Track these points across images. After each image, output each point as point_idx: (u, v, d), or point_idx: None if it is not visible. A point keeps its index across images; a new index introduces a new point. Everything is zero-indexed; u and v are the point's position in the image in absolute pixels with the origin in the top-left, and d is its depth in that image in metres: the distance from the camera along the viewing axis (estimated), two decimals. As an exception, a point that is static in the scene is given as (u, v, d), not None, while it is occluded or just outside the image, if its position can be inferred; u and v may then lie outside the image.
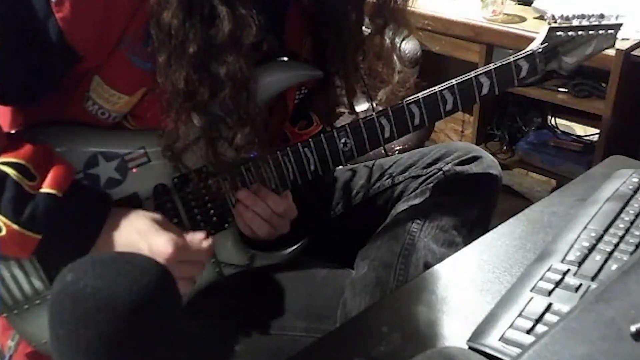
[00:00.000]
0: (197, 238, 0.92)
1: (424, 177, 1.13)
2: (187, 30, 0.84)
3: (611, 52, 1.83)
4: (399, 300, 0.83)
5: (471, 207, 1.10)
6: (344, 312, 1.00)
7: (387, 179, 1.18)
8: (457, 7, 2.27)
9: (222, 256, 1.03)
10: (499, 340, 0.66)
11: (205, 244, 0.92)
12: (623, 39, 1.87)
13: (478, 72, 1.05)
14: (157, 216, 0.92)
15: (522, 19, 2.14)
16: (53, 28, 0.82)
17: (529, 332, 0.66)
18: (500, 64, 1.07)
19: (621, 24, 1.13)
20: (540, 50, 1.09)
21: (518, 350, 0.63)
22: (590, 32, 1.11)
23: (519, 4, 2.29)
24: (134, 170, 0.93)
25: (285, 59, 1.02)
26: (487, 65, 1.07)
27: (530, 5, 2.20)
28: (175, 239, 0.88)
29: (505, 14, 2.16)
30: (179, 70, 0.85)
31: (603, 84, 2.00)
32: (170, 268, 0.85)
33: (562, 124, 2.48)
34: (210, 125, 0.91)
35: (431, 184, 1.12)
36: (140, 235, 0.88)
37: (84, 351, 0.57)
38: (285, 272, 1.06)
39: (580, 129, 2.45)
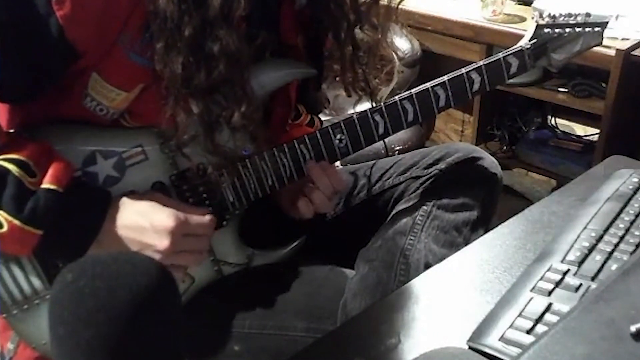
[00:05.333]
0: (198, 212, 0.94)
1: (424, 178, 1.13)
2: (182, 13, 0.84)
3: (611, 52, 1.83)
4: (399, 301, 0.83)
5: (472, 207, 1.10)
6: (345, 312, 1.00)
7: (387, 179, 1.18)
8: (457, 7, 2.27)
9: (221, 254, 1.03)
10: (499, 340, 0.66)
11: (207, 216, 0.94)
12: (623, 39, 1.87)
13: (469, 69, 1.06)
14: (156, 194, 0.93)
15: (522, 19, 2.14)
16: (54, 26, 0.82)
17: (529, 332, 0.66)
18: (490, 60, 1.07)
19: (607, 22, 1.15)
20: (529, 46, 1.10)
21: (518, 350, 0.63)
22: (578, 29, 1.12)
23: (519, 4, 2.29)
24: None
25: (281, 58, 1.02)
26: (478, 62, 1.07)
27: (530, 5, 2.20)
28: (176, 213, 0.89)
29: (505, 14, 2.16)
30: (176, 55, 0.86)
31: (603, 84, 2.00)
32: (175, 242, 0.88)
33: (562, 124, 2.48)
34: (207, 110, 0.91)
35: (432, 185, 1.12)
36: (141, 215, 0.89)
37: (84, 351, 0.57)
38: (285, 272, 1.06)
39: (580, 129, 2.45)
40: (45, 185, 0.84)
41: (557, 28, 1.12)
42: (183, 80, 0.87)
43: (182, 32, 0.85)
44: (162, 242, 0.88)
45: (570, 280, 0.73)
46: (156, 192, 0.95)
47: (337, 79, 1.10)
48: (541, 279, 0.74)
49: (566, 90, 2.13)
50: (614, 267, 0.74)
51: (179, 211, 0.90)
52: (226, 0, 0.86)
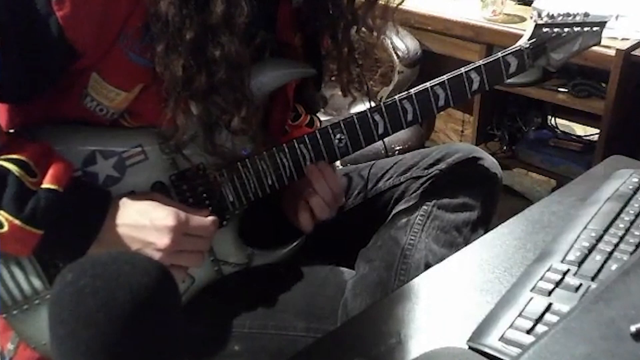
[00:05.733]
0: (200, 213, 0.94)
1: (425, 178, 1.13)
2: (184, 17, 0.85)
3: (611, 52, 1.83)
4: (399, 300, 0.82)
5: (472, 207, 1.10)
6: (345, 312, 1.00)
7: (388, 179, 1.18)
8: (457, 7, 2.27)
9: (221, 254, 1.03)
10: (499, 340, 0.66)
11: (209, 218, 0.94)
12: (623, 39, 1.87)
13: (468, 68, 1.06)
14: (156, 195, 0.93)
15: (522, 19, 2.14)
16: (53, 26, 0.82)
17: (529, 332, 0.66)
18: (489, 60, 1.08)
19: (606, 21, 1.15)
20: (527, 46, 1.10)
21: (518, 350, 0.63)
22: (576, 28, 1.12)
23: (519, 4, 2.29)
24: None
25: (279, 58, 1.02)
26: (477, 62, 1.08)
27: (530, 5, 2.20)
28: (177, 211, 0.90)
29: (505, 14, 2.16)
30: (177, 58, 0.86)
31: (603, 84, 2.00)
32: (176, 240, 0.88)
33: (562, 124, 2.48)
34: (207, 112, 0.91)
35: (432, 185, 1.12)
36: (141, 213, 0.89)
37: (84, 351, 0.57)
38: (285, 272, 1.06)
39: (580, 129, 2.45)
40: (46, 185, 0.84)
41: (555, 27, 1.12)
42: (183, 82, 0.87)
43: (183, 35, 0.85)
44: (163, 240, 0.88)
45: (570, 280, 0.73)
46: (157, 192, 0.95)
47: (333, 78, 1.10)
48: (541, 279, 0.74)
49: (566, 90, 2.13)
50: (614, 267, 0.74)
51: (179, 210, 0.90)
52: (229, 8, 0.86)
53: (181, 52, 0.86)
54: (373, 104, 1.05)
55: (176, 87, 0.88)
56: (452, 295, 0.81)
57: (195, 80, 0.88)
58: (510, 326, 0.67)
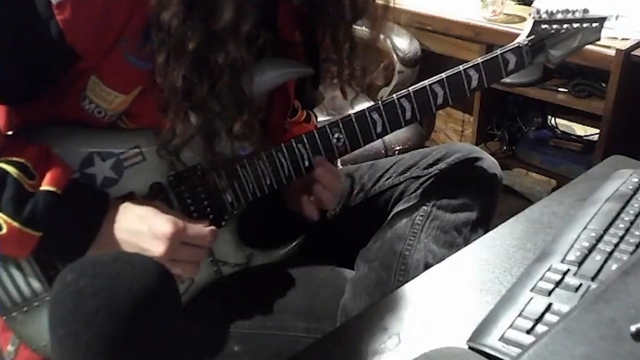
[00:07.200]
0: (199, 223, 0.93)
1: (424, 178, 1.13)
2: (187, 28, 0.84)
3: (611, 52, 1.83)
4: (399, 301, 0.82)
5: (472, 208, 1.10)
6: (344, 312, 1.00)
7: (387, 179, 1.18)
8: (457, 7, 2.27)
9: (220, 254, 1.03)
10: (499, 340, 0.66)
11: (208, 228, 0.93)
12: (623, 39, 1.87)
13: (467, 66, 1.06)
14: (157, 202, 0.93)
15: (522, 19, 2.14)
16: (54, 30, 0.82)
17: (529, 332, 0.66)
18: (488, 57, 1.07)
19: (605, 18, 1.14)
20: (526, 43, 1.10)
21: (518, 350, 0.63)
22: (575, 25, 1.12)
23: (519, 4, 2.29)
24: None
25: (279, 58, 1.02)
26: (476, 59, 1.07)
27: (530, 5, 2.20)
28: (175, 220, 0.89)
29: (505, 14, 2.16)
30: (177, 69, 0.86)
31: (603, 84, 2.00)
32: (172, 249, 0.87)
33: (562, 123, 2.48)
34: (207, 122, 0.91)
35: (432, 185, 1.12)
36: (140, 219, 0.89)
37: (84, 351, 0.57)
38: (285, 273, 1.06)
39: (580, 129, 2.45)
40: (44, 187, 0.84)
41: (554, 24, 1.12)
42: (183, 93, 0.87)
43: (185, 46, 0.85)
44: (159, 248, 0.87)
45: (570, 280, 0.73)
46: (157, 199, 0.95)
47: (335, 81, 1.10)
48: (541, 279, 0.74)
49: (566, 90, 2.13)
50: (614, 267, 0.74)
51: (177, 218, 0.90)
52: (237, 14, 0.86)
53: (182, 62, 0.86)
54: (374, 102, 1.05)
55: (176, 97, 0.88)
56: (452, 295, 0.81)
57: (196, 91, 0.88)
58: (510, 326, 0.67)
